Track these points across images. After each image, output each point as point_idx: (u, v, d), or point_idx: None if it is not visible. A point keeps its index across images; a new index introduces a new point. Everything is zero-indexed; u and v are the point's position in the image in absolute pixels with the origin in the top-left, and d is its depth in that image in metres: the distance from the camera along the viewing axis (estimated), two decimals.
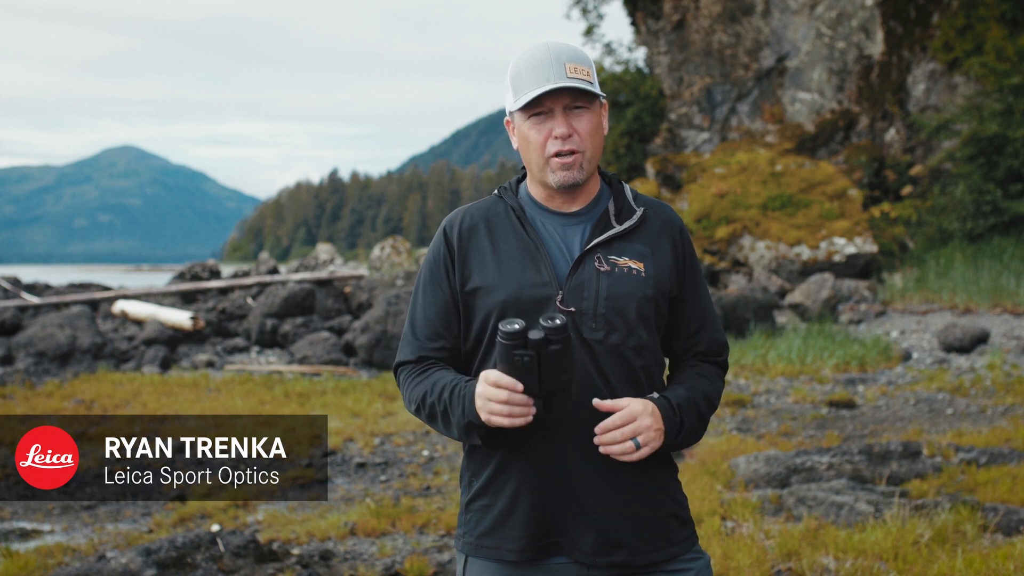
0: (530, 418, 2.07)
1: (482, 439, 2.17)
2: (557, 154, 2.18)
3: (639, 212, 2.26)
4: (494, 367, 2.11)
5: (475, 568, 2.26)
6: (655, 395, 2.18)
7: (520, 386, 2.04)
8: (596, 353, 2.17)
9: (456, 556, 2.33)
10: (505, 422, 2.07)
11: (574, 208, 2.26)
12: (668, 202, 20.77)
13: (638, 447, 2.11)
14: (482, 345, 2.24)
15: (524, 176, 2.32)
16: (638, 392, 2.20)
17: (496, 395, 2.05)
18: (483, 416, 2.09)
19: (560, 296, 2.17)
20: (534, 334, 2.01)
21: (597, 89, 2.20)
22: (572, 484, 2.18)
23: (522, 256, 2.21)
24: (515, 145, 2.25)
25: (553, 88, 2.14)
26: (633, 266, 2.21)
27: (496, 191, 2.33)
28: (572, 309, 2.17)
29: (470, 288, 2.23)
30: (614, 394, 2.17)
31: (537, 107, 2.18)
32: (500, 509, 2.21)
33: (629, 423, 2.11)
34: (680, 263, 2.28)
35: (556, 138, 2.17)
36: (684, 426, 2.18)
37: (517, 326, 2.01)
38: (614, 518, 2.18)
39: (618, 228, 2.23)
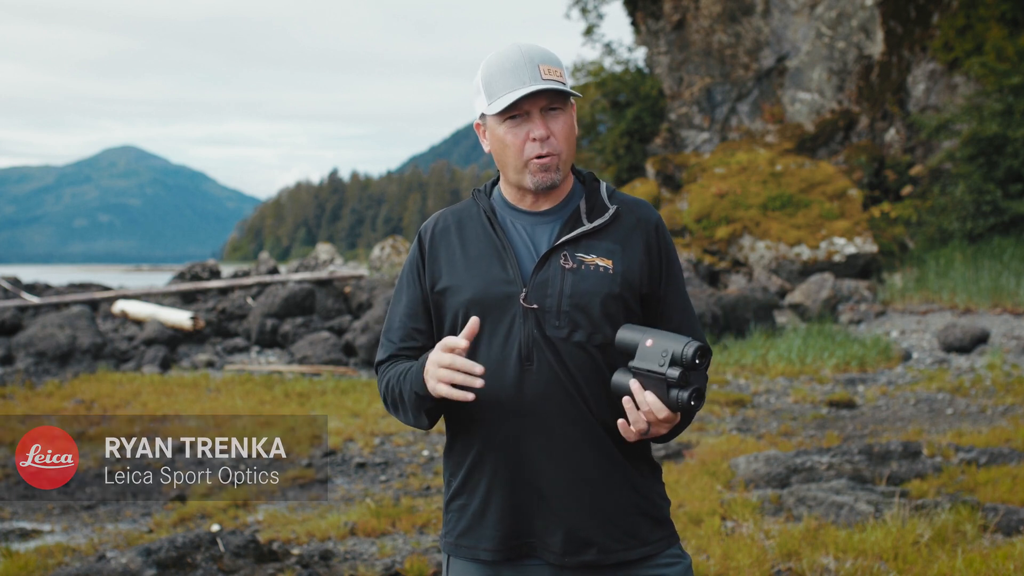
0: (471, 396, 2.05)
1: (429, 418, 2.18)
2: (537, 156, 2.18)
3: (611, 210, 2.25)
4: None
5: (456, 568, 2.27)
6: None
7: (465, 344, 2.05)
8: (560, 351, 2.17)
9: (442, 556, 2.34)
10: (444, 390, 2.06)
11: (544, 207, 2.26)
12: (668, 202, 20.91)
13: (646, 432, 2.09)
14: None
15: (499, 179, 2.33)
16: (606, 391, 2.17)
17: (442, 359, 2.06)
18: (430, 385, 2.09)
19: (524, 294, 2.18)
20: None
21: (572, 90, 2.21)
22: (539, 483, 2.18)
23: (489, 255, 2.22)
24: (487, 148, 2.25)
25: (532, 91, 2.14)
26: (601, 263, 2.20)
27: (472, 194, 2.35)
28: (535, 306, 2.17)
29: (439, 288, 2.25)
30: (580, 392, 2.17)
31: (514, 110, 2.18)
32: (474, 508, 2.22)
33: (669, 421, 2.08)
34: (655, 261, 2.26)
35: (534, 140, 2.18)
36: None
37: None
38: (581, 517, 2.18)
39: (587, 226, 2.22)
